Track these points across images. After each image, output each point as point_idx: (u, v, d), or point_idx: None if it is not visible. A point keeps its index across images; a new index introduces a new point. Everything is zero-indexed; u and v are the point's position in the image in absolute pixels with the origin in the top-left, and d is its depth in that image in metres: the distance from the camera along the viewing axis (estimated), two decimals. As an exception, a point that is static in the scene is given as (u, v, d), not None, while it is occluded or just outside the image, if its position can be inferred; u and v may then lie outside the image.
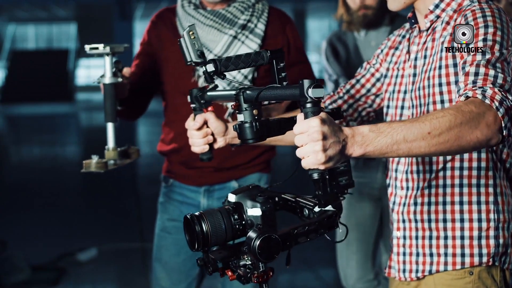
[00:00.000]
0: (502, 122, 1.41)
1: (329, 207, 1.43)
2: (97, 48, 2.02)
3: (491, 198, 1.70)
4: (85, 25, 22.64)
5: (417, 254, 1.77)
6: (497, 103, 1.41)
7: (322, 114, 1.28)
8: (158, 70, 2.50)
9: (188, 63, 1.60)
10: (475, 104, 1.40)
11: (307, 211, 1.47)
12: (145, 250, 4.94)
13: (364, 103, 1.93)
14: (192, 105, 1.78)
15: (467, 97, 1.45)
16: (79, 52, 21.74)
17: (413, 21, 1.80)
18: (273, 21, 2.48)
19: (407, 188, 1.78)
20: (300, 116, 1.30)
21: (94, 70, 21.75)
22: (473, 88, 1.45)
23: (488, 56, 1.52)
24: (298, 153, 1.29)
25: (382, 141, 1.31)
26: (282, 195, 1.54)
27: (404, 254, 1.81)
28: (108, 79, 2.06)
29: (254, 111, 1.45)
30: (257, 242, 1.32)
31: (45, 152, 11.16)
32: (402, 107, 1.81)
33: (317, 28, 25.20)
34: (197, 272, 2.54)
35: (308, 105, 1.28)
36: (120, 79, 2.08)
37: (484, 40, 1.54)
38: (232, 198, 1.45)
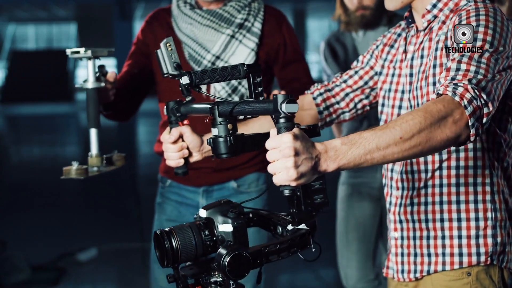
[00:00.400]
0: (469, 120, 1.41)
1: (303, 226, 1.40)
2: (78, 52, 1.97)
3: (488, 197, 1.70)
4: (85, 25, 22.63)
5: (415, 255, 1.77)
6: (466, 101, 1.41)
7: (295, 130, 1.26)
8: (154, 70, 2.50)
9: (165, 75, 1.59)
10: (444, 102, 1.40)
11: (280, 229, 1.45)
12: (145, 250, 4.94)
13: (361, 94, 1.92)
14: (168, 118, 1.74)
15: (438, 94, 1.45)
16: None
17: (410, 20, 1.80)
18: (269, 19, 2.48)
19: (403, 188, 1.77)
20: (273, 131, 1.29)
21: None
22: (447, 85, 1.45)
23: (473, 53, 1.51)
24: (270, 168, 1.28)
25: (355, 153, 1.30)
26: (256, 211, 1.52)
27: (402, 254, 1.80)
28: (90, 84, 2.01)
29: (228, 125, 1.43)
30: (227, 259, 1.29)
31: (45, 152, 11.16)
32: (400, 107, 1.80)
33: (317, 28, 25.19)
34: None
35: (282, 120, 1.26)
36: (103, 84, 2.04)
37: (474, 39, 1.53)
38: (203, 213, 1.42)
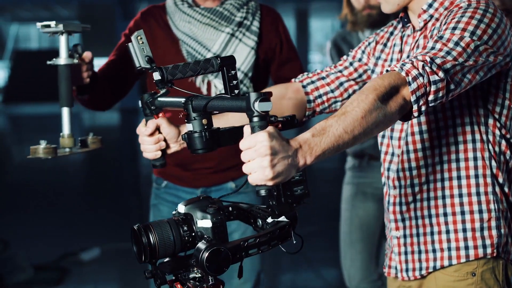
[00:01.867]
0: (411, 97, 1.43)
1: (283, 218, 1.39)
2: (49, 26, 1.90)
3: (489, 189, 1.70)
4: (88, 24, 22.64)
5: (419, 252, 1.77)
6: (410, 78, 1.43)
7: (270, 128, 1.24)
8: None
9: (138, 69, 1.55)
10: (392, 78, 1.43)
11: (260, 222, 1.43)
12: (147, 249, 4.93)
13: (356, 84, 1.90)
14: (143, 111, 1.70)
15: (387, 71, 1.47)
16: (81, 52, 21.72)
17: (406, 20, 1.79)
18: (266, 18, 2.48)
19: (400, 187, 1.77)
20: (247, 130, 1.27)
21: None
22: (404, 61, 1.47)
23: (452, 34, 1.52)
24: (245, 168, 1.26)
25: (327, 141, 1.30)
26: (236, 205, 1.51)
27: (405, 253, 1.80)
28: (63, 60, 1.94)
29: (203, 120, 1.41)
30: (205, 255, 1.27)
31: (47, 152, 11.16)
32: None
33: (320, 28, 25.17)
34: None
35: (255, 119, 1.24)
36: (76, 61, 1.98)
37: (454, 28, 1.54)
38: (181, 209, 1.40)
